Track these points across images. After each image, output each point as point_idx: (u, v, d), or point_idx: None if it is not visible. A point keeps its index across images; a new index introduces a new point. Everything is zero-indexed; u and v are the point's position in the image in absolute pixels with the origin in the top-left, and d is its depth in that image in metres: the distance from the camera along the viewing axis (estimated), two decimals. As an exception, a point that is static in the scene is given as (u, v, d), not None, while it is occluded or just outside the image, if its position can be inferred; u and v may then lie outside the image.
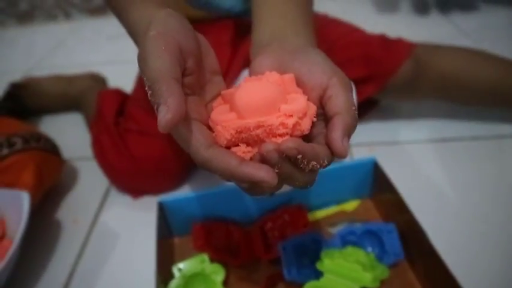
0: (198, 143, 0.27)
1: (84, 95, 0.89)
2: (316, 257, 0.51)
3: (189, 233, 0.57)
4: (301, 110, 0.28)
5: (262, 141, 0.27)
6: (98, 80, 0.98)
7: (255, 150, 0.27)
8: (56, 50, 1.37)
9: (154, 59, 0.27)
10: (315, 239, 0.52)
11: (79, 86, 0.93)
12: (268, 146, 0.25)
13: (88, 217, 0.66)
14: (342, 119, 0.27)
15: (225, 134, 0.27)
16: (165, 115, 0.24)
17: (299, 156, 0.25)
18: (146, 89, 0.27)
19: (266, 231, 0.57)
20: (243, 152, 0.27)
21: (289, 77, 0.30)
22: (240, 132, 0.27)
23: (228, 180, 0.27)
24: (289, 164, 0.26)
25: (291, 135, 0.27)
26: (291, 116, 0.27)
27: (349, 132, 0.27)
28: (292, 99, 0.28)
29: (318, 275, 0.48)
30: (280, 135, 0.27)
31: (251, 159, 0.27)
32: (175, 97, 0.25)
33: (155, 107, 0.26)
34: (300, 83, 0.30)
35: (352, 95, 0.29)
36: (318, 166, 0.26)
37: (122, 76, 0.93)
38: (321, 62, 0.30)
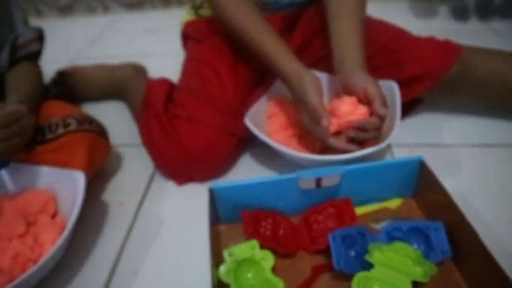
0: (328, 134, 0.58)
1: (127, 83, 0.91)
2: (362, 250, 0.51)
3: (234, 221, 0.59)
4: (364, 113, 0.59)
5: (349, 128, 0.59)
6: (139, 69, 1.01)
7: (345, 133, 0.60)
8: (95, 42, 1.41)
9: (314, 98, 0.58)
10: (361, 233, 0.53)
11: (122, 74, 0.95)
12: (351, 133, 0.59)
13: (133, 201, 0.68)
14: (377, 100, 0.57)
15: (332, 128, 0.59)
16: (327, 122, 0.56)
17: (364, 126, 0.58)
18: (309, 111, 0.59)
19: (311, 223, 0.57)
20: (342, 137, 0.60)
21: (354, 98, 0.60)
22: (340, 126, 0.59)
23: (340, 150, 0.58)
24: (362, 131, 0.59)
25: None
26: (361, 115, 0.58)
27: (383, 104, 0.56)
28: (359, 108, 0.59)
29: (364, 267, 0.48)
30: None
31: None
32: (328, 114, 0.57)
33: (317, 119, 0.57)
34: (353, 89, 0.60)
35: (378, 87, 0.58)
36: (376, 127, 0.57)
37: (158, 68, 0.95)
38: (362, 76, 0.59)
